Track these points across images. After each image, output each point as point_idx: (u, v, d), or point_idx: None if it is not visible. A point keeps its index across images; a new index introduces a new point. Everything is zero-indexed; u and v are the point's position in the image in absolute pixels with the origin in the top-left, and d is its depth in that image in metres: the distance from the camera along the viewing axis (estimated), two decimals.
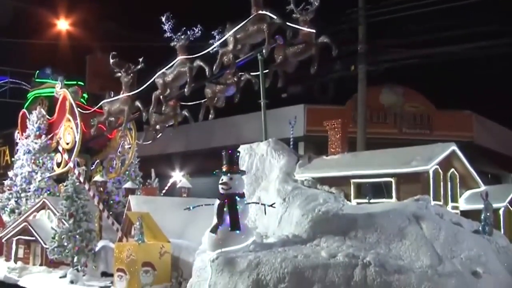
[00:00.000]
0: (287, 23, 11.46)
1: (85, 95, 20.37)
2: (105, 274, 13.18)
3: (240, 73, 13.01)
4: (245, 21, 11.89)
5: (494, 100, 27.85)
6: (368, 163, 10.99)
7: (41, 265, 14.90)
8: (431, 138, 21.13)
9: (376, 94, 24.39)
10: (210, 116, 14.01)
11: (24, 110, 20.45)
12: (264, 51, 11.79)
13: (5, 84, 26.26)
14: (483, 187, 11.33)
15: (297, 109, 22.17)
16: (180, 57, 13.37)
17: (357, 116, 21.10)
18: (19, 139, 19.81)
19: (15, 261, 15.59)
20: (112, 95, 15.86)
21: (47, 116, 19.20)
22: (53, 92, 18.91)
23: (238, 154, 10.09)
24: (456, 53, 19.56)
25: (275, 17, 11.46)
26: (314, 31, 11.41)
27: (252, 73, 12.98)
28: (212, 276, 8.75)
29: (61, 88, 18.23)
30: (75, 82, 20.26)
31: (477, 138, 24.06)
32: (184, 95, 13.52)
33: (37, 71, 21.30)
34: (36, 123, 18.94)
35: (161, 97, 14.18)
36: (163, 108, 14.65)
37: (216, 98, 13.72)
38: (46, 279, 13.52)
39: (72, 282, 12.59)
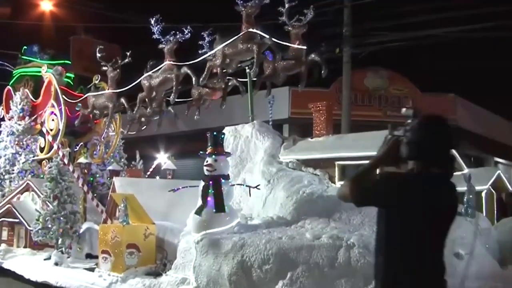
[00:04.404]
0: (278, 41, 11.36)
1: (71, 75, 20.17)
2: (89, 256, 13.15)
3: (228, 78, 12.95)
4: (235, 37, 11.76)
5: (477, 83, 28.06)
6: (353, 145, 11.02)
7: (25, 247, 14.81)
8: None
9: (361, 77, 24.47)
10: (195, 116, 13.99)
11: (9, 87, 20.23)
12: (252, 73, 11.74)
13: None
14: (466, 170, 11.43)
15: (282, 91, 22.17)
16: (167, 62, 13.19)
17: (342, 98, 21.15)
18: (3, 116, 19.65)
19: None
20: (98, 79, 15.86)
21: (32, 98, 19.03)
22: (39, 72, 18.75)
23: (223, 136, 10.12)
24: (440, 36, 19.63)
25: (266, 36, 11.34)
26: (304, 47, 11.36)
27: (240, 79, 12.94)
28: (196, 258, 8.79)
29: (46, 71, 18.18)
30: (61, 62, 20.05)
31: (460, 121, 24.23)
32: (170, 93, 13.37)
33: (24, 47, 21.00)
34: (20, 104, 18.77)
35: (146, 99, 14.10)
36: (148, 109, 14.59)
37: (202, 101, 13.73)
38: (31, 261, 13.45)
39: (56, 264, 12.54)
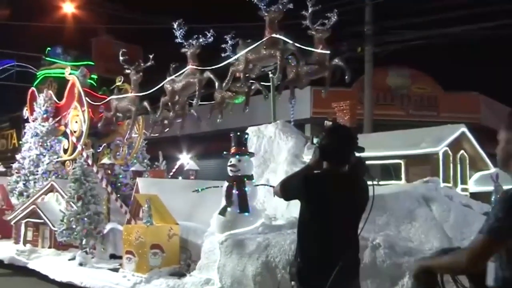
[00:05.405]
0: (301, 47, 11.30)
1: (94, 76, 20.28)
2: (113, 256, 13.23)
3: (250, 82, 12.92)
4: (258, 43, 11.72)
5: (501, 81, 27.67)
6: (376, 144, 10.93)
7: (50, 247, 14.93)
8: (438, 120, 21.01)
9: (383, 76, 24.25)
10: (218, 120, 13.98)
11: (33, 88, 20.39)
12: (275, 79, 11.70)
13: (12, 68, 26.22)
14: (492, 169, 11.29)
15: (304, 91, 22.04)
16: (190, 66, 13.20)
17: (364, 98, 21.02)
18: (27, 117, 19.85)
19: (24, 244, 15.62)
20: (121, 81, 15.95)
21: (55, 100, 19.16)
22: (63, 74, 18.87)
23: (246, 136, 10.09)
24: (463, 34, 19.41)
25: (289, 41, 11.27)
26: (328, 52, 11.30)
27: (262, 83, 12.90)
28: (221, 258, 8.78)
29: (70, 73, 18.31)
30: (85, 63, 20.18)
31: (484, 119, 23.91)
32: (193, 96, 13.38)
33: (48, 49, 21.14)
34: (44, 106, 18.92)
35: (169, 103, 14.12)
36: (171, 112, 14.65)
37: (224, 104, 13.72)
38: (55, 262, 13.54)
39: (81, 264, 12.61)
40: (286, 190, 4.18)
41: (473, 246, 2.75)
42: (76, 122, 17.65)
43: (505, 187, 9.62)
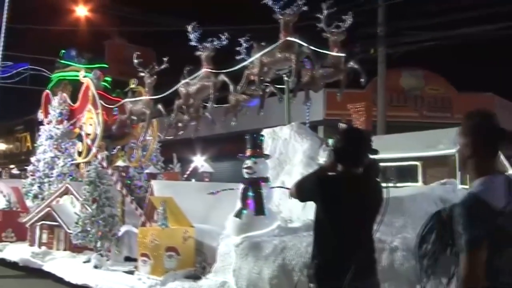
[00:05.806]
0: (316, 49, 11.26)
1: (109, 79, 20.31)
2: (128, 259, 13.24)
3: (265, 84, 12.89)
4: (273, 46, 11.69)
5: None
6: (393, 146, 10.86)
7: (64, 250, 14.95)
8: (452, 121, 20.85)
9: (396, 77, 24.17)
10: (232, 122, 13.96)
11: (48, 91, 20.45)
12: (291, 83, 11.67)
13: (25, 71, 26.33)
14: (510, 171, 11.19)
15: (317, 93, 21.99)
16: (204, 69, 13.20)
17: (377, 99, 20.93)
18: (42, 119, 19.91)
19: (39, 246, 15.68)
20: (136, 83, 15.98)
21: (70, 102, 19.20)
22: (77, 76, 18.92)
23: (262, 138, 10.05)
24: (477, 35, 19.28)
25: (304, 44, 11.23)
26: (343, 55, 11.25)
27: (277, 85, 12.88)
28: (236, 261, 8.75)
29: (84, 76, 18.36)
30: (99, 65, 20.21)
31: (499, 120, 23.68)
32: (208, 98, 13.38)
33: (63, 51, 21.17)
34: (58, 108, 18.98)
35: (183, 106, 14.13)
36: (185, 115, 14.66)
37: (239, 107, 13.71)
38: (70, 264, 13.58)
39: (96, 267, 12.63)
40: (301, 191, 4.31)
41: (465, 269, 2.87)
42: (91, 124, 17.71)
43: None
